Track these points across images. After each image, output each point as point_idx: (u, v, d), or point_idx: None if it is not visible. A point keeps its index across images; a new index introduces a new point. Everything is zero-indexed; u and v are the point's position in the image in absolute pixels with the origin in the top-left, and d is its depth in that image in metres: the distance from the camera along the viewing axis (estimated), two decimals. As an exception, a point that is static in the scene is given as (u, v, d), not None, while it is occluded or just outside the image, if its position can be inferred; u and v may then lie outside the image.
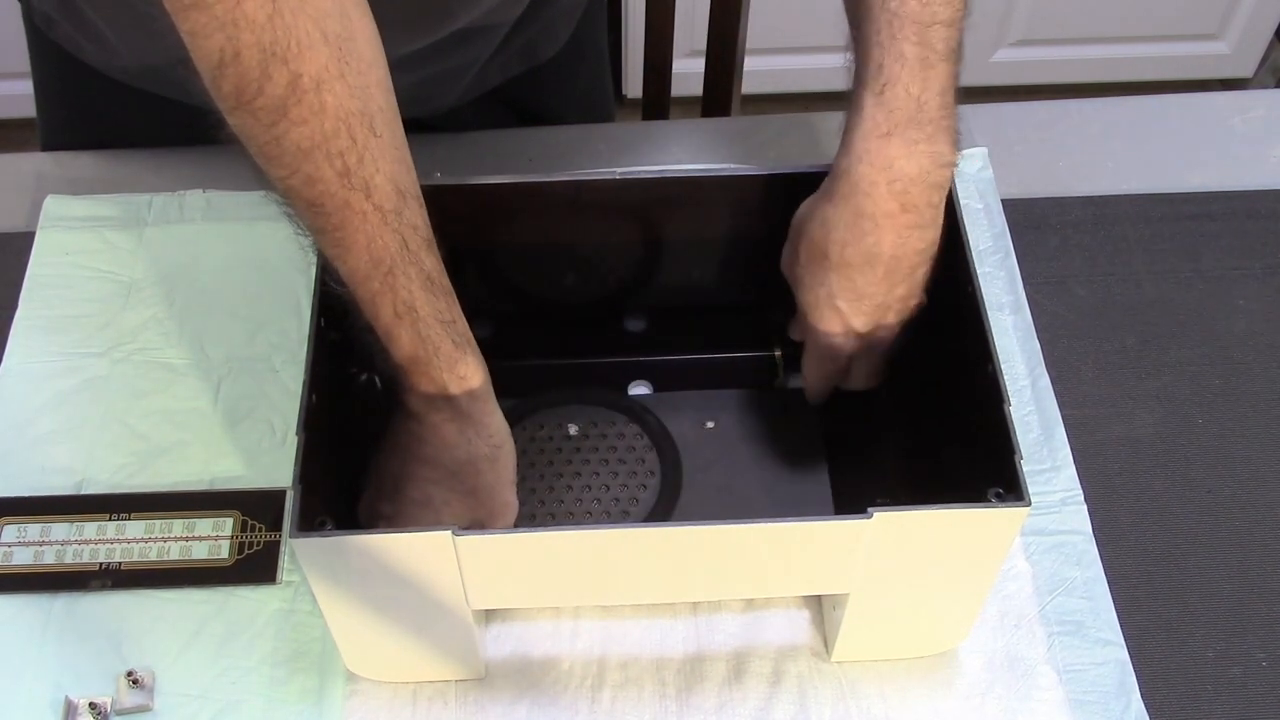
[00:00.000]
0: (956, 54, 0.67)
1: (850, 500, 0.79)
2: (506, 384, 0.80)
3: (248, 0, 0.54)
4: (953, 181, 0.73)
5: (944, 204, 0.71)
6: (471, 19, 0.85)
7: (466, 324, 0.68)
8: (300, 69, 0.56)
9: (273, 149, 0.58)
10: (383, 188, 0.61)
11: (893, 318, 0.73)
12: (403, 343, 0.65)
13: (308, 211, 0.61)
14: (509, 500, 0.72)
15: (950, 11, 0.66)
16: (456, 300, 0.67)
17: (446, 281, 0.66)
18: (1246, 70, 2.14)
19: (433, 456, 0.70)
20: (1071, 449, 0.82)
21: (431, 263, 0.65)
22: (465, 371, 0.67)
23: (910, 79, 0.67)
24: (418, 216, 0.64)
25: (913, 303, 0.74)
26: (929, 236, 0.71)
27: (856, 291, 0.72)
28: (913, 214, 0.69)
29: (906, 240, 0.70)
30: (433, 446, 0.70)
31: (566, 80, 1.01)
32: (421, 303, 0.64)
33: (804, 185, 0.75)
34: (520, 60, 0.95)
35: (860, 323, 0.73)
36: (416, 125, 0.94)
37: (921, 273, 0.72)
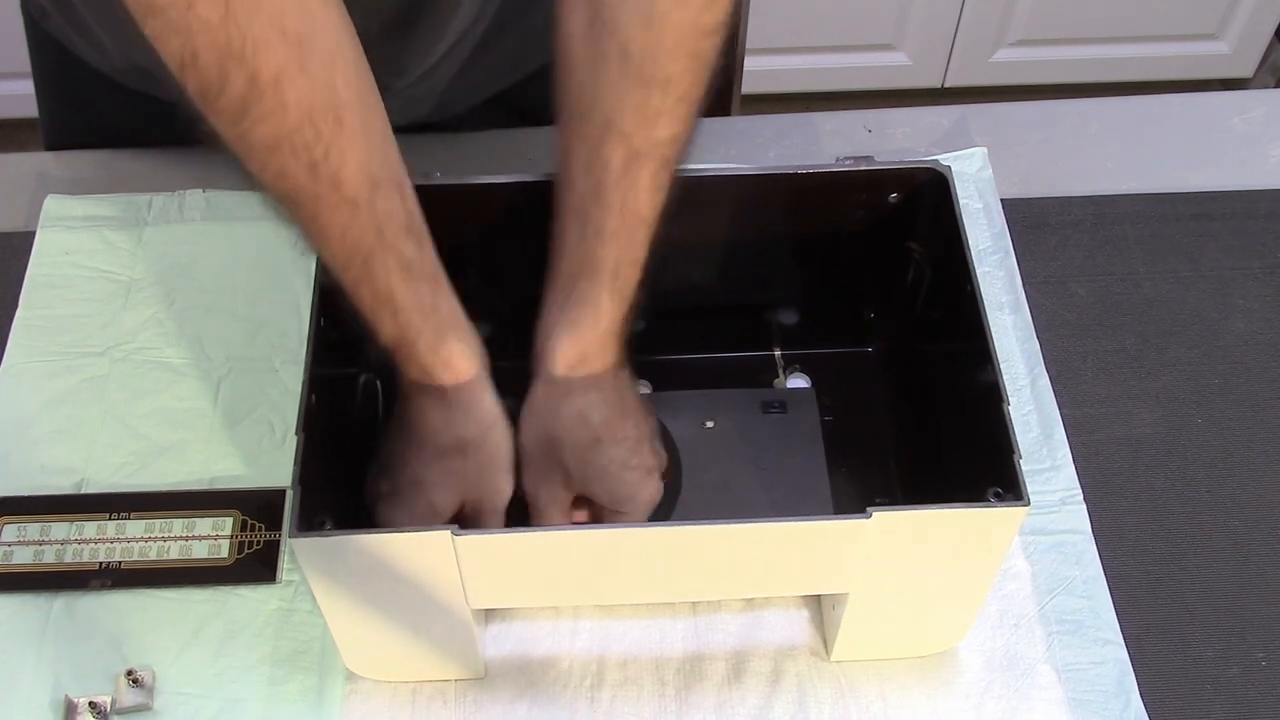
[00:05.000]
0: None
1: (849, 500, 0.79)
2: (506, 385, 0.80)
3: (200, 3, 0.54)
4: (952, 182, 0.73)
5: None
6: (424, 68, 0.86)
7: (456, 306, 0.68)
8: (258, 68, 0.56)
9: (240, 146, 0.59)
10: (353, 179, 0.61)
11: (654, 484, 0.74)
12: (384, 330, 0.66)
13: (283, 203, 0.62)
14: (501, 486, 0.71)
15: (661, 202, 0.67)
16: (444, 283, 0.67)
17: (431, 267, 0.66)
18: (1246, 70, 2.14)
19: (421, 439, 0.70)
20: (1071, 448, 0.82)
21: (412, 249, 0.65)
22: (448, 356, 0.67)
23: (626, 261, 0.68)
24: (395, 204, 0.64)
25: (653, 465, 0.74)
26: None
27: (611, 430, 0.72)
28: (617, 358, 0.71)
29: (623, 382, 0.72)
30: (420, 429, 0.70)
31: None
32: (400, 292, 0.65)
33: (804, 185, 0.75)
34: (511, 70, 0.95)
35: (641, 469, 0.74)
36: (417, 125, 0.94)
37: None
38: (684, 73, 0.63)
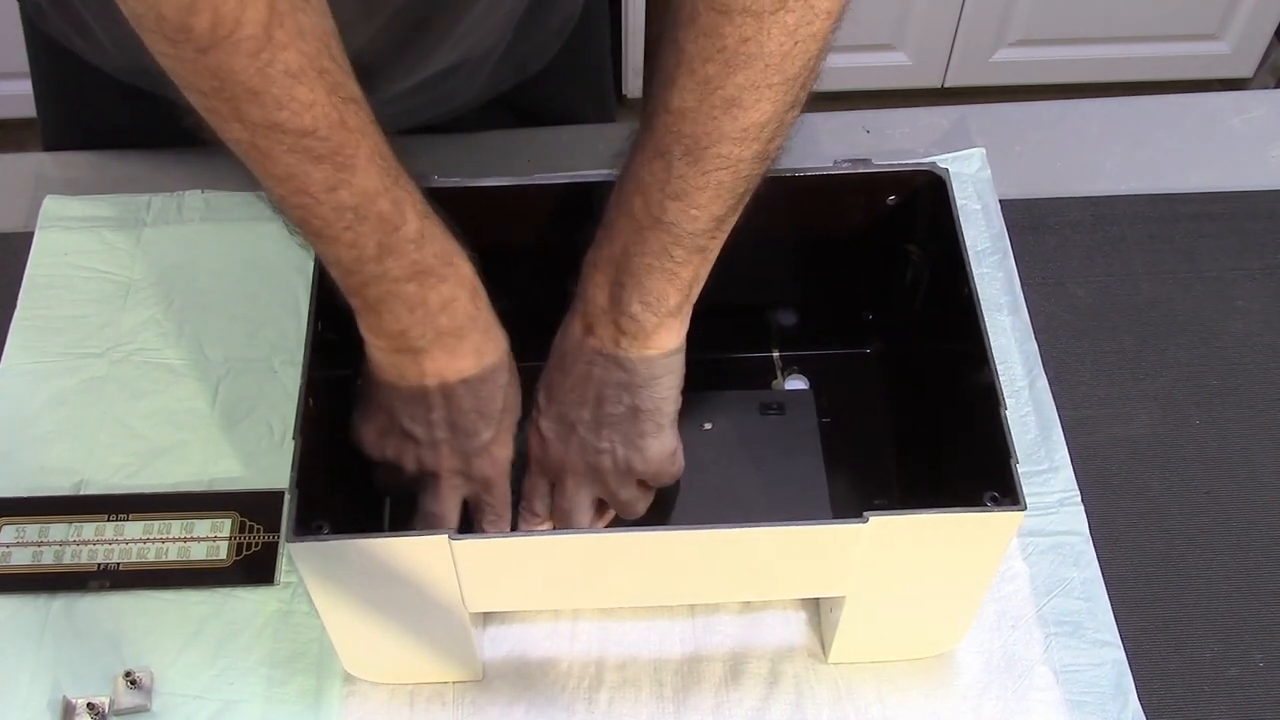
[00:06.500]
0: (686, 233, 0.67)
1: (847, 503, 0.79)
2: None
3: None
4: (950, 185, 0.73)
5: (636, 361, 0.69)
6: (451, 60, 0.86)
7: None
8: None
9: (258, 81, 0.57)
10: (364, 100, 0.61)
11: (576, 448, 0.71)
12: (433, 243, 0.66)
13: (300, 142, 0.59)
14: (520, 394, 0.73)
15: (691, 207, 0.66)
16: None
17: None
18: (1246, 70, 2.14)
19: (488, 371, 0.70)
20: (1069, 449, 0.82)
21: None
22: (473, 269, 0.69)
23: (622, 230, 0.67)
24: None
25: (602, 448, 0.71)
26: (615, 378, 0.69)
27: (550, 388, 0.72)
28: (596, 341, 0.69)
29: (593, 363, 0.70)
30: (480, 328, 0.69)
31: (567, 82, 1.01)
32: (424, 198, 0.66)
33: (802, 187, 0.75)
34: (513, 74, 0.95)
35: (546, 425, 0.72)
36: (418, 126, 0.94)
37: (614, 413, 0.70)
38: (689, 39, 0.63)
